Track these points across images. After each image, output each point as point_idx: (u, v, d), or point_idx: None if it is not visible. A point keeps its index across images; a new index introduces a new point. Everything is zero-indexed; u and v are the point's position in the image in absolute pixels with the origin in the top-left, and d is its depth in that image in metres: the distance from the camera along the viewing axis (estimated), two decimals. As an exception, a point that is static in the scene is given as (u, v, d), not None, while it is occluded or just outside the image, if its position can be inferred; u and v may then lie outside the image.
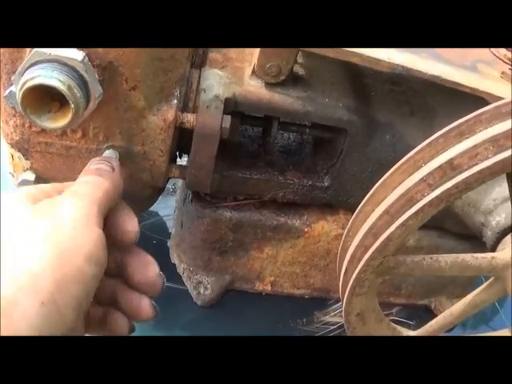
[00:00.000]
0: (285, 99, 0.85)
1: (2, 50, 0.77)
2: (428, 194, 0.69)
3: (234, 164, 0.92)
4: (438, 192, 0.67)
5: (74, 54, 0.71)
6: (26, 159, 0.87)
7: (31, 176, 0.88)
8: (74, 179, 0.87)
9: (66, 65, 0.71)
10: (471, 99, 0.82)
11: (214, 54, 0.90)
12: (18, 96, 0.71)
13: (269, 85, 0.85)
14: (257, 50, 0.84)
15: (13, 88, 0.76)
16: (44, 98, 0.73)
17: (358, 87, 0.91)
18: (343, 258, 0.81)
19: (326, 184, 0.92)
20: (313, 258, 1.01)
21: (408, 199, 0.71)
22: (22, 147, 0.86)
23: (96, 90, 0.73)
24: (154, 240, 1.10)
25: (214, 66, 0.88)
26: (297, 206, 0.97)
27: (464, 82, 0.82)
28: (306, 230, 0.97)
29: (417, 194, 0.70)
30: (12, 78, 0.74)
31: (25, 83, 0.70)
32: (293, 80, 0.86)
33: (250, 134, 0.99)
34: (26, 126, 0.82)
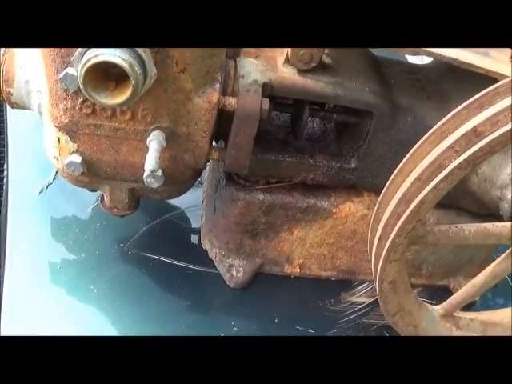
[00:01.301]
0: (316, 84, 0.92)
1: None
2: (456, 159, 0.76)
3: (266, 148, 0.98)
4: (465, 155, 0.75)
5: (134, 35, 0.78)
6: (73, 142, 0.93)
7: (78, 158, 0.93)
8: (119, 161, 0.93)
9: (126, 45, 0.78)
10: (482, 85, 0.90)
11: (246, 45, 0.98)
12: (80, 73, 0.77)
13: (301, 71, 0.92)
14: (290, 39, 0.91)
15: (69, 70, 0.82)
16: (101, 78, 0.79)
17: (378, 74, 0.99)
18: (376, 228, 0.88)
19: (353, 165, 0.99)
20: (340, 239, 1.06)
21: (438, 165, 0.78)
22: (71, 130, 0.91)
23: (152, 70, 0.80)
24: (185, 228, 1.16)
25: (248, 55, 0.95)
26: (325, 188, 1.03)
27: (479, 63, 0.90)
28: (334, 210, 1.03)
29: (445, 160, 0.77)
30: (72, 58, 0.79)
31: (88, 61, 0.76)
32: (322, 67, 0.93)
33: (277, 123, 1.06)
34: (77, 108, 0.88)
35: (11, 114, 1.30)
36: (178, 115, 0.88)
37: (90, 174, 0.95)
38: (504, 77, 0.92)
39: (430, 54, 0.88)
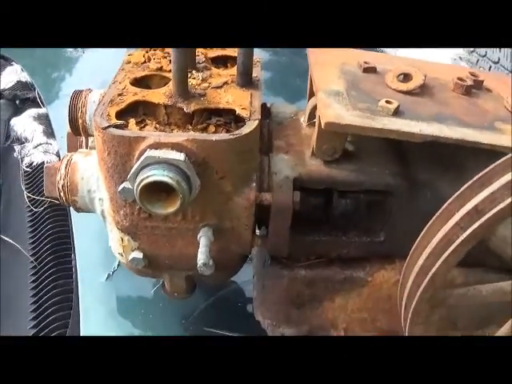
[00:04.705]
0: (341, 173, 1.05)
1: (113, 154, 0.97)
2: (461, 234, 0.88)
3: (302, 230, 1.10)
4: (468, 232, 0.87)
5: (178, 156, 0.92)
6: (134, 241, 1.08)
7: (139, 254, 1.08)
8: (176, 254, 1.07)
9: (172, 164, 0.92)
10: (493, 152, 1.00)
11: (277, 141, 1.12)
12: (136, 191, 0.92)
13: (326, 162, 1.05)
14: (314, 136, 1.04)
15: (125, 184, 0.97)
16: (154, 191, 0.93)
17: (397, 152, 1.10)
18: (402, 297, 0.99)
19: (382, 238, 1.10)
20: (378, 304, 1.16)
21: (447, 241, 0.90)
22: (131, 231, 1.06)
23: (196, 182, 0.94)
24: (239, 302, 1.29)
25: (279, 151, 1.09)
26: (359, 259, 1.13)
27: (483, 140, 1.00)
28: (369, 279, 1.13)
29: (453, 235, 0.90)
30: (128, 177, 0.94)
31: (142, 181, 0.91)
32: (345, 156, 1.06)
33: (311, 202, 1.17)
34: (135, 213, 1.03)
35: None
36: (221, 213, 1.02)
37: (151, 266, 1.10)
38: (509, 148, 1.02)
39: (437, 138, 0.99)
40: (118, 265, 1.33)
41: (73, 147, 1.26)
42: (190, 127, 1.03)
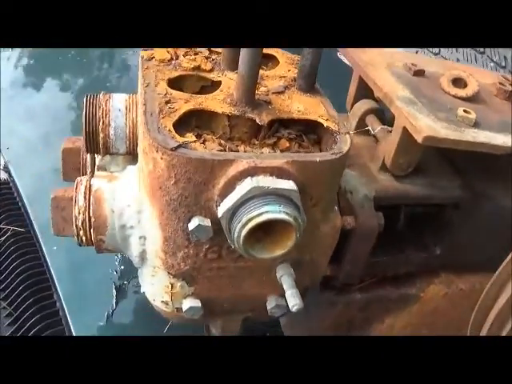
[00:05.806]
0: (413, 188, 0.96)
1: (183, 183, 0.76)
2: None
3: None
4: None
5: (289, 185, 0.75)
6: (190, 286, 0.88)
7: (197, 302, 0.88)
8: (238, 296, 0.90)
9: (283, 196, 0.74)
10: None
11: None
12: (240, 234, 0.73)
13: (398, 177, 0.95)
14: (389, 149, 0.94)
15: (200, 221, 0.77)
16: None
17: (450, 163, 1.04)
18: (477, 328, 0.93)
19: (438, 252, 1.03)
20: (423, 319, 1.10)
21: None
22: (189, 275, 0.86)
23: (304, 215, 0.77)
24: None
25: (340, 165, 0.95)
26: (410, 276, 1.06)
27: None
28: (421, 295, 1.06)
29: None
30: (220, 214, 0.75)
31: (249, 220, 0.73)
32: (414, 170, 0.96)
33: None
34: (201, 255, 0.83)
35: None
36: (305, 245, 0.86)
37: (205, 313, 0.90)
38: None
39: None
40: (117, 303, 1.08)
41: (70, 167, 0.98)
42: (256, 142, 0.85)
